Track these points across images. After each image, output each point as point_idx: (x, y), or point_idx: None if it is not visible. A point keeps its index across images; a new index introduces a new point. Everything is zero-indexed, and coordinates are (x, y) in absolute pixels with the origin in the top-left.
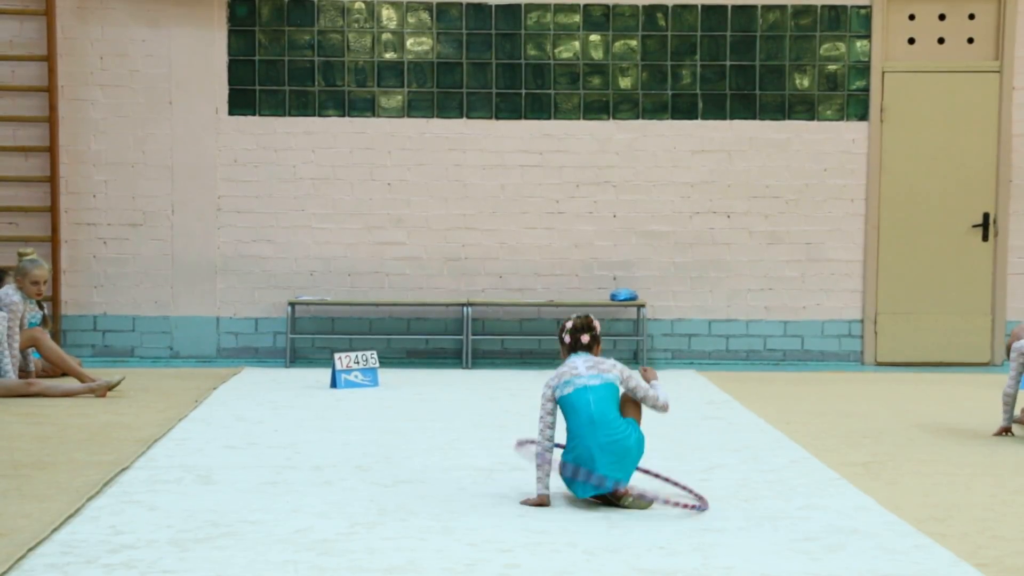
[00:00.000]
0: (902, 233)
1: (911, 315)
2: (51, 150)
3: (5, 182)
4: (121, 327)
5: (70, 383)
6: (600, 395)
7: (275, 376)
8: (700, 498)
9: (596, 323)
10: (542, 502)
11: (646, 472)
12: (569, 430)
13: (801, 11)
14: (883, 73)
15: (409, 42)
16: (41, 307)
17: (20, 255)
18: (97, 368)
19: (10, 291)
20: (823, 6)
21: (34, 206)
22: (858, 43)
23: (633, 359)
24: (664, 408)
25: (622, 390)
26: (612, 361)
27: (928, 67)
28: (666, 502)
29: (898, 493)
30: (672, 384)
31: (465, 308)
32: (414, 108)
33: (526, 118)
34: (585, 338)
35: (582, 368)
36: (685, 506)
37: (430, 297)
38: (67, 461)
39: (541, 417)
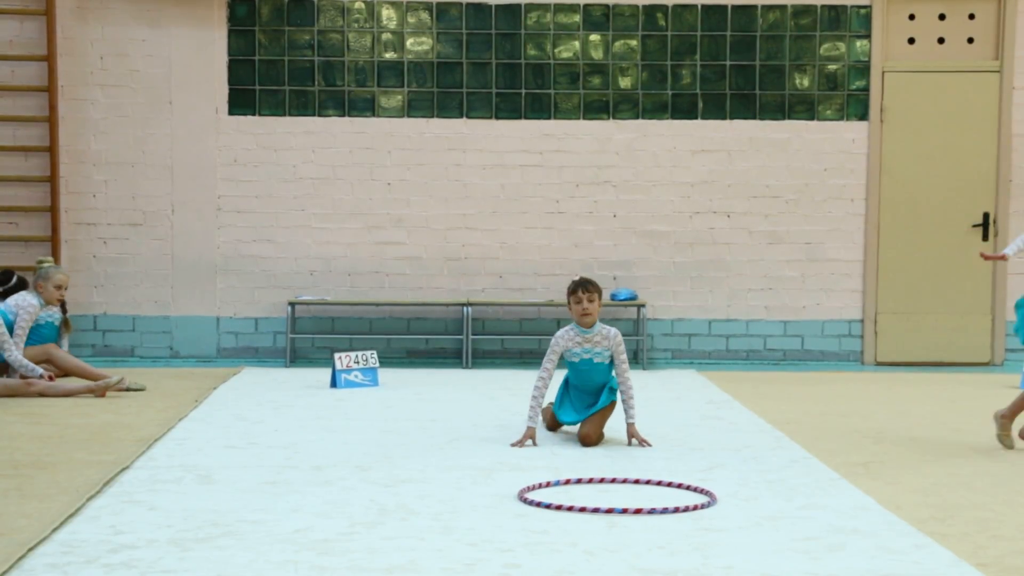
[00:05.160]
0: (902, 233)
1: (911, 315)
2: (51, 150)
3: (5, 182)
4: (121, 327)
5: (70, 383)
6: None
7: (275, 376)
8: (707, 493)
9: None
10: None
11: (647, 482)
12: None
13: (801, 11)
14: (883, 73)
15: (409, 42)
16: (64, 310)
17: (39, 262)
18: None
19: (28, 296)
20: (823, 6)
21: (34, 206)
22: (858, 43)
23: (633, 359)
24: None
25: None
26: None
27: (928, 67)
28: (676, 510)
29: (898, 493)
30: (672, 384)
31: (465, 308)
32: (414, 108)
33: (526, 118)
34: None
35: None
36: (697, 507)
37: (430, 297)
38: (67, 461)
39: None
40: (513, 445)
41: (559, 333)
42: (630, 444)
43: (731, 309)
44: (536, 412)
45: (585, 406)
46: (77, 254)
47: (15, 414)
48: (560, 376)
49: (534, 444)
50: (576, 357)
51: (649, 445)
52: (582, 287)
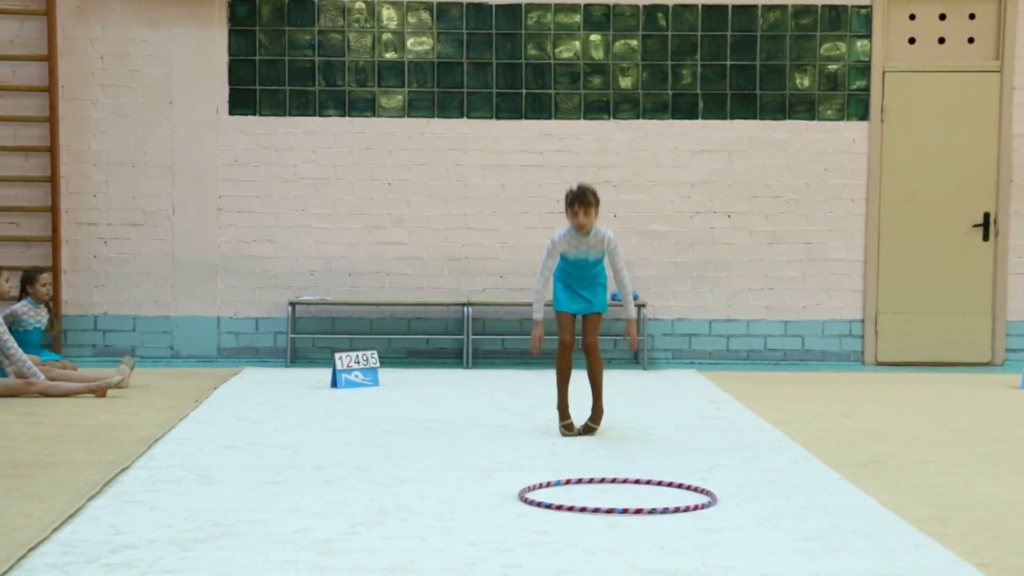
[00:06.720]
0: (902, 233)
1: (911, 315)
2: (51, 150)
3: (6, 182)
4: (121, 327)
5: (70, 383)
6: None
7: (275, 376)
8: (707, 493)
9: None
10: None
11: (647, 482)
12: None
13: (801, 11)
14: (883, 73)
15: (409, 42)
16: (50, 309)
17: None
18: (100, 368)
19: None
20: (823, 6)
21: (35, 206)
22: (858, 43)
23: (633, 359)
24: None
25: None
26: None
27: (928, 67)
28: (676, 510)
29: (898, 493)
30: (672, 384)
31: (465, 308)
32: (414, 108)
33: (526, 118)
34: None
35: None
36: (697, 507)
37: (430, 297)
38: (68, 461)
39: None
40: (532, 350)
41: (555, 236)
42: (625, 338)
43: (731, 309)
44: (540, 306)
45: (582, 300)
46: (77, 254)
47: (15, 414)
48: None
49: (542, 337)
50: (571, 256)
51: (636, 347)
52: (578, 201)
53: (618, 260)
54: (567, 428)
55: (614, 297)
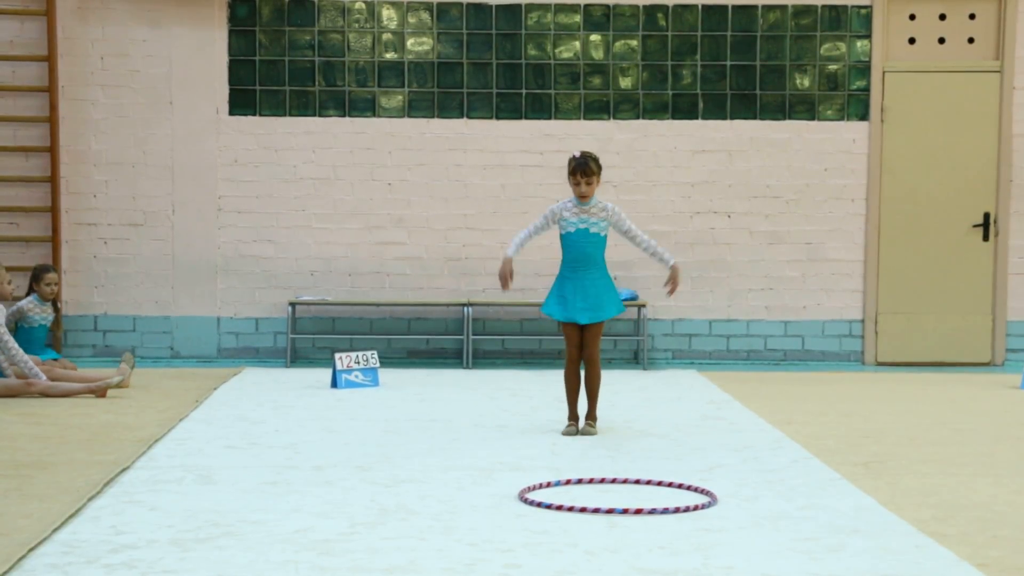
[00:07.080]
0: (903, 233)
1: (911, 315)
2: (52, 150)
3: (6, 182)
4: (122, 327)
5: (70, 383)
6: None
7: (276, 376)
8: (707, 493)
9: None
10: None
11: (647, 482)
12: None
13: (801, 11)
14: (883, 73)
15: (409, 42)
16: (57, 309)
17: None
18: (100, 368)
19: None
20: (823, 6)
21: (35, 206)
22: (858, 43)
23: (634, 359)
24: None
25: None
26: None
27: (928, 67)
28: (676, 510)
29: (898, 493)
30: (672, 384)
31: (466, 308)
32: (414, 108)
33: (527, 118)
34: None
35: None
36: (697, 507)
37: (431, 297)
38: (68, 461)
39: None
40: (503, 286)
41: (554, 205)
42: (665, 286)
43: (731, 309)
44: (516, 248)
45: (581, 304)
46: (78, 254)
47: (15, 414)
48: (551, 280)
49: (508, 274)
50: (572, 227)
51: (673, 293)
52: (580, 170)
53: (631, 227)
54: (570, 426)
55: (627, 296)
